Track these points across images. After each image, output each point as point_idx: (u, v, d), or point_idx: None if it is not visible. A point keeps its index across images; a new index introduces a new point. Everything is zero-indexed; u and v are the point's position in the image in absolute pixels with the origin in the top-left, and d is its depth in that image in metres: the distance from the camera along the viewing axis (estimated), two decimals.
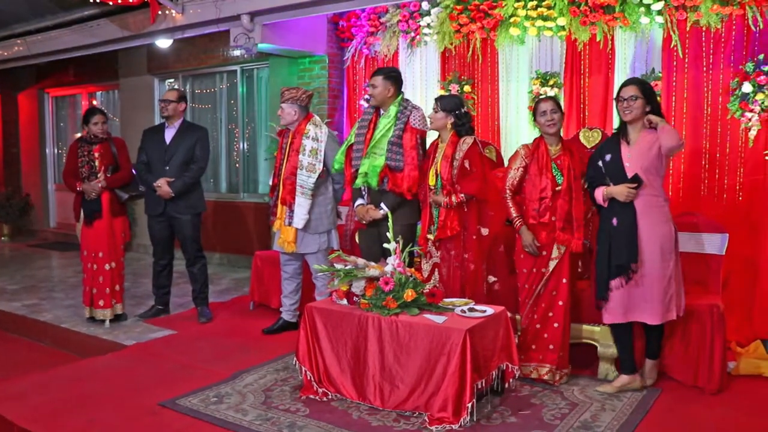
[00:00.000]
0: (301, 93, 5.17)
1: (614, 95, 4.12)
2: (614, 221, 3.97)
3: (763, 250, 5.01)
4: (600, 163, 4.05)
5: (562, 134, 5.67)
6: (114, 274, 5.67)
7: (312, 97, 5.32)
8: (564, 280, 4.19)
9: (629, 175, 3.90)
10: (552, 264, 4.21)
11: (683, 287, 4.03)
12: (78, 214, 5.72)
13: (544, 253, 4.22)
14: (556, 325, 4.22)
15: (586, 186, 4.21)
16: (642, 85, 4.00)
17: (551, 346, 4.22)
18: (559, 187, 4.17)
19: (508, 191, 4.32)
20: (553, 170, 4.21)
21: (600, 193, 4.03)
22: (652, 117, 3.91)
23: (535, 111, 4.33)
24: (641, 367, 4.18)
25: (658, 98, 5.33)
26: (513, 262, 4.43)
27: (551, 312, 4.23)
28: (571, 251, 4.17)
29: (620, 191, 3.93)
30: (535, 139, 4.36)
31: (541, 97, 4.56)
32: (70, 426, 3.69)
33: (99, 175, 5.57)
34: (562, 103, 5.80)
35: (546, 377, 4.21)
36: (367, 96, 6.90)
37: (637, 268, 3.90)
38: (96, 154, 5.60)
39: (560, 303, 4.20)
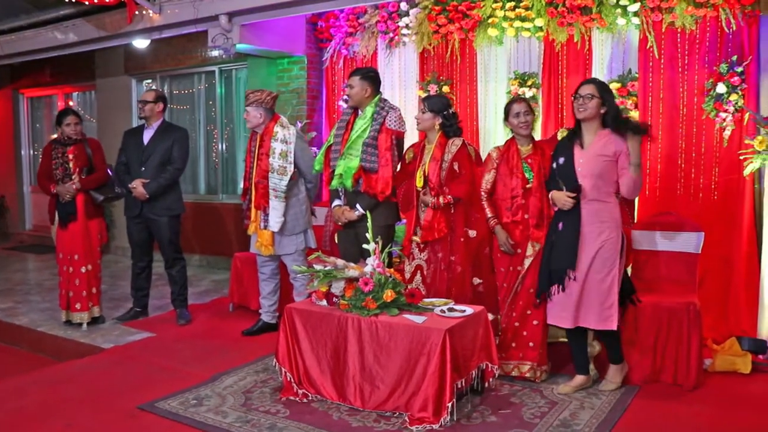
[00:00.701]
0: (265, 95, 5.12)
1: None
2: (560, 225, 3.99)
3: (738, 248, 5.08)
4: (554, 165, 4.06)
5: (540, 134, 5.77)
6: (90, 276, 5.61)
7: (277, 98, 5.27)
8: None
9: (580, 179, 3.89)
10: (527, 261, 4.24)
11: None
12: (53, 217, 5.66)
13: (519, 251, 4.26)
14: (535, 322, 4.24)
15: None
16: (600, 86, 3.97)
17: (531, 344, 4.25)
18: (530, 185, 4.21)
19: (483, 193, 4.35)
20: (524, 169, 4.24)
21: (549, 197, 4.07)
22: (633, 154, 3.80)
23: (507, 112, 4.34)
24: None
25: (635, 98, 5.41)
26: (492, 261, 4.46)
27: (530, 310, 4.25)
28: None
29: (558, 198, 3.95)
30: (507, 141, 4.40)
31: (513, 98, 4.58)
32: (46, 431, 3.65)
33: (73, 177, 5.51)
34: (540, 104, 5.86)
35: (528, 375, 4.24)
36: (345, 96, 6.88)
37: (575, 276, 3.91)
38: (70, 156, 5.54)
39: (539, 301, 4.23)
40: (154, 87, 9.04)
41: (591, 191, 3.89)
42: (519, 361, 4.26)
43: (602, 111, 3.91)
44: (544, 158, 4.23)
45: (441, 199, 4.38)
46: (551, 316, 4.07)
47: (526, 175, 4.24)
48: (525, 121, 4.26)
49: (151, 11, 6.81)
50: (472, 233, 4.46)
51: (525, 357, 4.26)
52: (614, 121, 3.90)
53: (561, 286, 3.95)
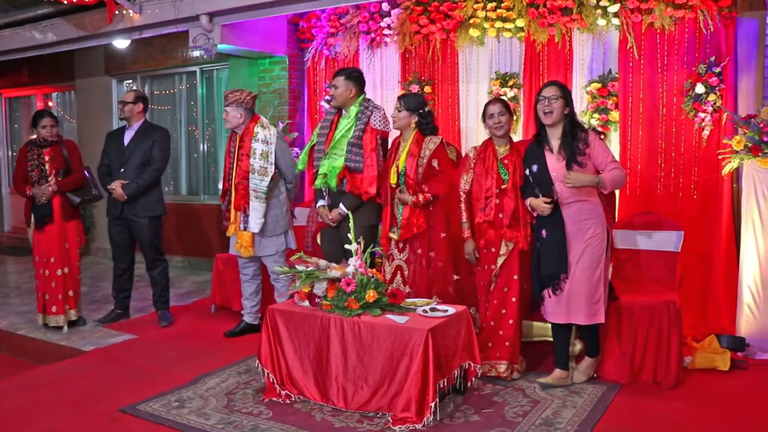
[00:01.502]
0: (245, 95, 5.09)
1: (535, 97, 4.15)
2: (543, 232, 4.03)
3: (717, 247, 5.14)
4: (528, 173, 4.09)
5: (521, 135, 5.79)
6: (67, 279, 5.55)
7: (256, 98, 5.25)
8: (515, 277, 4.24)
9: (556, 184, 3.93)
10: (500, 260, 4.26)
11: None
12: (29, 219, 5.60)
13: (493, 250, 4.28)
14: (511, 321, 4.26)
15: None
16: (562, 87, 4.02)
17: (507, 343, 4.27)
18: (505, 186, 4.23)
19: (462, 194, 4.37)
20: (500, 170, 4.26)
21: (528, 202, 4.10)
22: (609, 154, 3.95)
23: (483, 113, 4.37)
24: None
25: (615, 98, 5.46)
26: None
27: (504, 309, 4.28)
28: (519, 249, 4.22)
29: (537, 205, 3.99)
30: (484, 141, 4.42)
31: (490, 99, 4.63)
32: None
33: (49, 179, 5.46)
34: (521, 104, 5.88)
35: (504, 374, 4.26)
36: (328, 97, 6.88)
37: (566, 278, 3.96)
38: (46, 158, 5.49)
39: (513, 299, 4.26)
40: (134, 87, 8.97)
41: (570, 194, 3.93)
42: (496, 361, 4.28)
43: (565, 112, 3.96)
44: (520, 159, 4.25)
45: (420, 197, 4.39)
46: (547, 314, 4.11)
47: (502, 176, 4.25)
48: (498, 122, 4.27)
49: (131, 11, 6.76)
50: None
51: (501, 356, 4.28)
52: (571, 122, 3.96)
53: (553, 290, 3.99)
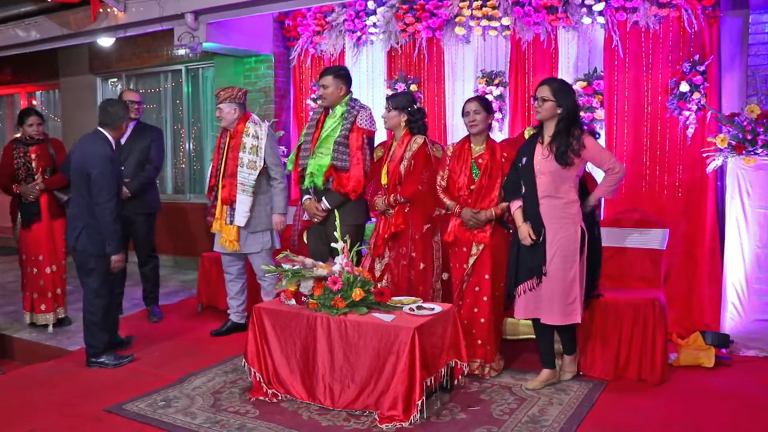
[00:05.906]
0: (236, 91, 5.10)
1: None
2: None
3: (701, 244, 5.17)
4: (519, 166, 4.10)
5: (507, 133, 5.80)
6: (56, 277, 5.55)
7: (247, 94, 5.27)
8: (486, 276, 4.26)
9: (538, 176, 3.95)
10: (472, 260, 4.28)
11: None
12: (15, 217, 5.58)
13: (464, 249, 4.30)
14: (482, 320, 4.28)
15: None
16: (556, 87, 3.96)
17: (479, 341, 4.29)
18: (473, 187, 4.25)
19: (439, 188, 4.39)
20: (474, 169, 4.28)
21: (513, 209, 4.12)
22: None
23: (462, 110, 4.38)
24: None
25: (600, 96, 5.47)
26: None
27: (476, 308, 4.29)
28: (490, 248, 4.24)
29: (522, 235, 4.02)
30: (462, 138, 4.44)
31: (469, 97, 4.65)
32: None
33: (36, 177, 5.44)
34: (507, 102, 5.89)
35: (477, 372, 4.27)
36: (314, 95, 6.87)
37: (546, 270, 3.97)
38: (33, 156, 5.48)
39: (485, 298, 4.27)
40: (119, 86, 8.94)
41: (548, 187, 3.94)
42: (469, 359, 4.28)
43: (558, 112, 3.93)
44: (494, 159, 4.27)
45: (392, 198, 4.43)
46: (522, 311, 4.11)
47: (474, 176, 4.27)
48: (473, 120, 4.28)
49: (115, 9, 6.71)
50: (427, 227, 4.52)
51: (474, 355, 4.29)
52: (562, 121, 3.93)
53: (537, 281, 3.99)
